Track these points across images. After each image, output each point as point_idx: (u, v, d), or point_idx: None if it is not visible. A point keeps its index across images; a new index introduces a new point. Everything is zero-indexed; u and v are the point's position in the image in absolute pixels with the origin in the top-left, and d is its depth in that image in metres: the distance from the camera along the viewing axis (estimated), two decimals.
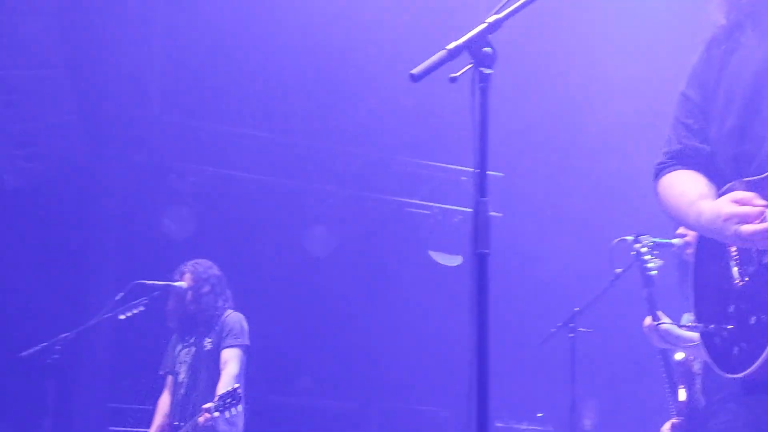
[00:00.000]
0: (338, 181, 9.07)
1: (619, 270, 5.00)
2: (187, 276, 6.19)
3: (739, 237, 2.67)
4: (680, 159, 3.00)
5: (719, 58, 2.95)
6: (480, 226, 2.56)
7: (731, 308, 2.71)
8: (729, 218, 2.69)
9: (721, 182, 2.86)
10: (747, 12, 2.90)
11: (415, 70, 2.57)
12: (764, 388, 2.61)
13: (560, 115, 8.33)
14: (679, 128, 3.01)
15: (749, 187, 2.74)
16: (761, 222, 2.63)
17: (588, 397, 9.03)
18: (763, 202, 2.68)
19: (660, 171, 3.03)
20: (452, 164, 9.10)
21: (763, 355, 2.54)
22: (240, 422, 5.99)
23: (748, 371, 2.58)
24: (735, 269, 2.73)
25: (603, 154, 8.49)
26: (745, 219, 2.66)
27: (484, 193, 2.58)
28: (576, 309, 5.78)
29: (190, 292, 6.13)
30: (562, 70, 8.17)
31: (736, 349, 2.66)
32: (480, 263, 2.52)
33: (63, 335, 5.96)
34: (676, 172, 2.97)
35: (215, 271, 6.29)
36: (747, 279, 2.69)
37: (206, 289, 6.17)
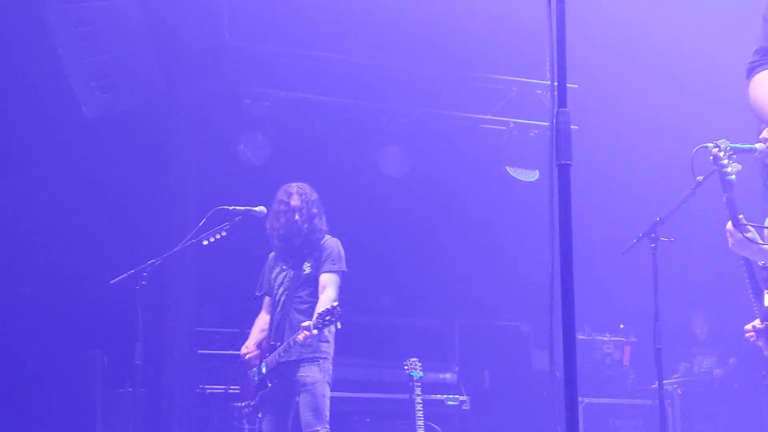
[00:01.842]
0: (411, 99, 9.02)
1: (700, 178, 4.92)
2: (295, 197, 6.25)
3: None
4: None
5: None
6: (561, 137, 2.55)
7: None
8: None
9: None
10: None
11: None
12: None
13: (636, 24, 8.12)
14: (764, 24, 2.92)
15: None
16: None
17: (697, 308, 9.01)
18: None
19: (751, 69, 2.95)
20: (527, 78, 8.98)
21: None
22: (333, 339, 6.12)
23: None
24: None
25: (681, 61, 8.29)
26: None
27: (564, 103, 2.57)
28: (657, 218, 5.72)
29: (299, 214, 6.20)
30: None
31: None
32: (562, 174, 2.52)
33: (150, 262, 6.12)
34: (766, 70, 2.88)
35: (316, 195, 6.36)
36: None
37: (315, 210, 6.26)
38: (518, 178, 9.17)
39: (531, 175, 9.11)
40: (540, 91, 8.80)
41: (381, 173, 9.21)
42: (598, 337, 8.73)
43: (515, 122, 9.17)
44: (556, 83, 2.58)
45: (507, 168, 9.24)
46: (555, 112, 2.55)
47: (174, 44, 8.17)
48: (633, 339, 8.78)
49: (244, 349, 6.31)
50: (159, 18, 7.88)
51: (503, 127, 9.22)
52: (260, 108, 8.66)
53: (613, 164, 8.99)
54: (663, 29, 7.99)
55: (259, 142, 8.75)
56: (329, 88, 8.79)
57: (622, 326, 8.88)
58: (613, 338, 8.79)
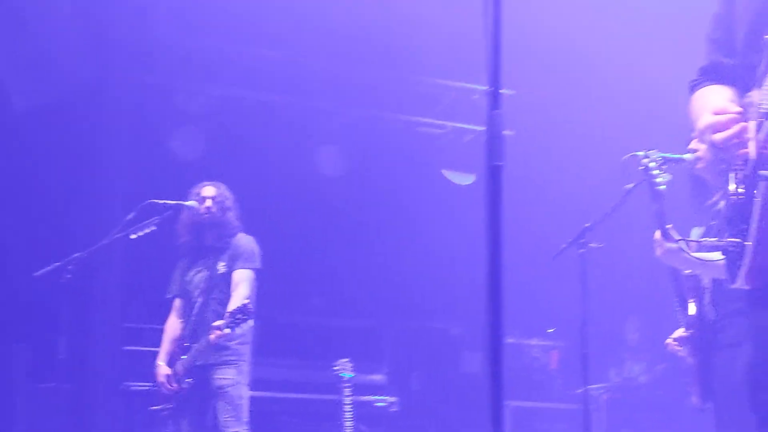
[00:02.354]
0: (350, 100, 9.00)
1: (629, 186, 4.98)
2: (211, 189, 6.20)
3: (714, 146, 2.65)
4: (709, 75, 2.99)
5: None
6: (494, 139, 2.54)
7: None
8: (706, 129, 2.67)
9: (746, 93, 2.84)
10: None
11: None
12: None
13: (572, 30, 8.21)
14: (708, 44, 3.00)
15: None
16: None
17: (630, 313, 9.14)
18: (738, 108, 2.64)
19: (692, 88, 3.03)
20: (465, 82, 9.01)
21: (745, 264, 2.53)
22: (250, 339, 6.06)
23: (737, 280, 2.58)
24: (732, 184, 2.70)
25: (615, 71, 8.39)
26: (717, 128, 2.63)
27: (497, 105, 2.57)
28: (587, 225, 5.78)
29: (215, 205, 6.14)
30: None
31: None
32: (494, 175, 2.51)
33: (75, 255, 5.99)
34: (706, 88, 2.96)
35: (231, 195, 6.32)
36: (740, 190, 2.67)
37: (228, 204, 6.21)
38: (454, 181, 9.21)
39: (466, 179, 9.15)
40: (477, 96, 8.83)
41: (317, 172, 9.18)
42: (526, 342, 8.80)
43: (452, 126, 9.20)
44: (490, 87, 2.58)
45: (443, 171, 9.27)
46: (488, 114, 2.54)
47: (107, 37, 8.04)
48: (561, 344, 8.88)
49: (160, 366, 6.18)
50: (91, 10, 7.74)
51: (440, 131, 9.26)
52: (194, 103, 8.56)
53: (547, 170, 9.08)
54: (600, 39, 8.09)
55: (192, 137, 8.65)
56: (266, 86, 8.73)
57: (550, 330, 8.96)
58: (541, 342, 8.87)
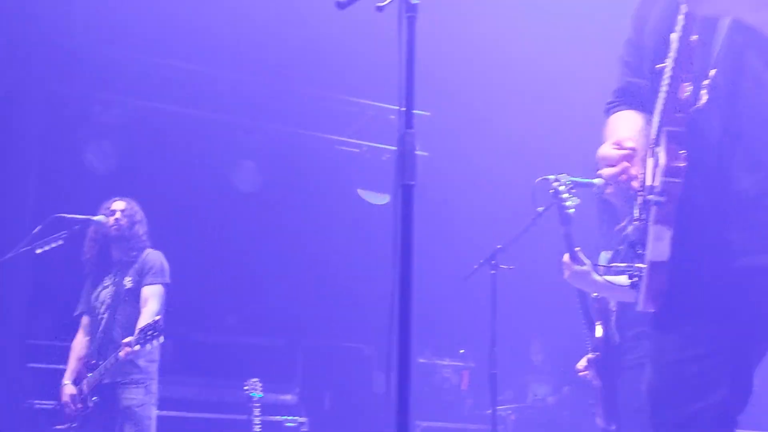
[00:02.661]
0: (268, 115, 8.97)
1: (540, 209, 5.05)
2: (121, 203, 6.10)
3: (604, 178, 2.73)
4: (623, 97, 3.06)
5: None
6: (406, 158, 2.55)
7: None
8: (600, 161, 2.76)
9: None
10: None
11: None
12: (670, 327, 2.67)
13: (486, 53, 8.32)
14: (621, 66, 3.07)
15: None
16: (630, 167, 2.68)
17: (535, 335, 9.24)
18: (632, 145, 2.72)
19: (607, 110, 3.09)
20: (382, 102, 9.06)
21: (643, 287, 2.60)
22: (157, 357, 5.96)
23: (639, 302, 2.65)
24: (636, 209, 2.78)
25: (527, 95, 8.54)
26: (609, 162, 2.71)
27: (410, 124, 2.58)
28: (498, 246, 5.85)
29: (124, 218, 6.05)
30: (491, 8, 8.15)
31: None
32: (405, 195, 2.52)
33: None
34: (619, 112, 3.02)
35: (140, 211, 6.23)
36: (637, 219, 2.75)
37: (139, 218, 6.12)
38: (369, 200, 9.24)
39: (381, 199, 9.18)
40: (393, 117, 8.89)
41: (233, 188, 9.10)
42: (437, 362, 8.84)
43: (369, 145, 9.24)
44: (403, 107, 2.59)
45: (358, 190, 9.29)
46: (400, 133, 2.55)
47: (25, 45, 7.87)
48: (471, 364, 8.94)
49: (66, 385, 6.03)
50: (9, 17, 7.57)
51: (357, 150, 9.28)
52: (110, 115, 8.42)
53: (460, 191, 9.17)
54: (514, 62, 8.22)
55: (107, 150, 8.51)
56: (183, 99, 8.64)
57: (461, 351, 9.02)
58: (452, 363, 8.92)
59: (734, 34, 2.53)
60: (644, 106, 2.96)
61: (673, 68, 2.51)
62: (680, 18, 2.51)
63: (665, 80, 2.55)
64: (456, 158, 9.04)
